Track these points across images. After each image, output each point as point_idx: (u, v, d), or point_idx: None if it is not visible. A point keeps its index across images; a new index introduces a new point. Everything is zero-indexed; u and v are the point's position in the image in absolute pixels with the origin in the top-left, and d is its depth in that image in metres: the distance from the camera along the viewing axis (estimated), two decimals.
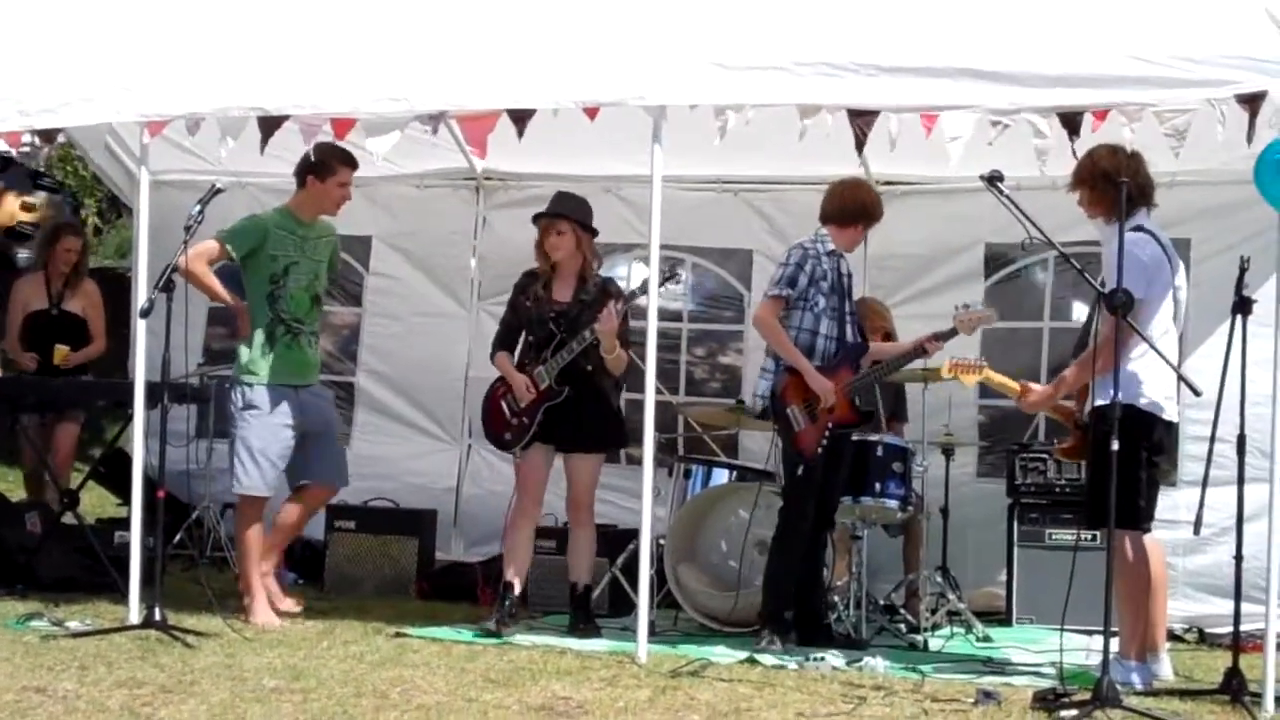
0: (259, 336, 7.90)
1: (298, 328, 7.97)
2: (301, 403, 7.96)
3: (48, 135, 8.17)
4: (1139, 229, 6.69)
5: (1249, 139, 6.50)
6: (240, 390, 7.91)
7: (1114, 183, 6.68)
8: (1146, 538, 6.80)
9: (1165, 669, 6.94)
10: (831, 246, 7.69)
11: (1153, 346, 6.46)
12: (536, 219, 7.95)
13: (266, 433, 7.85)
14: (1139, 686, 6.59)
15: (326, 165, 7.91)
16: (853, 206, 7.72)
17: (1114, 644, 6.22)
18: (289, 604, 8.06)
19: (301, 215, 8.06)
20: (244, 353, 7.94)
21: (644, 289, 7.68)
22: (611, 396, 7.95)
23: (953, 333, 7.65)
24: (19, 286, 10.09)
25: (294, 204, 8.12)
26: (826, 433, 7.55)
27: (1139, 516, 6.64)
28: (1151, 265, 6.65)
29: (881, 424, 8.70)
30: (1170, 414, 6.77)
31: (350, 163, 7.97)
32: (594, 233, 7.97)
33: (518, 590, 7.83)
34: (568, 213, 7.87)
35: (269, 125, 7.50)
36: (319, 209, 8.10)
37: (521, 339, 8.01)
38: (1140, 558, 6.69)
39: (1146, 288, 6.59)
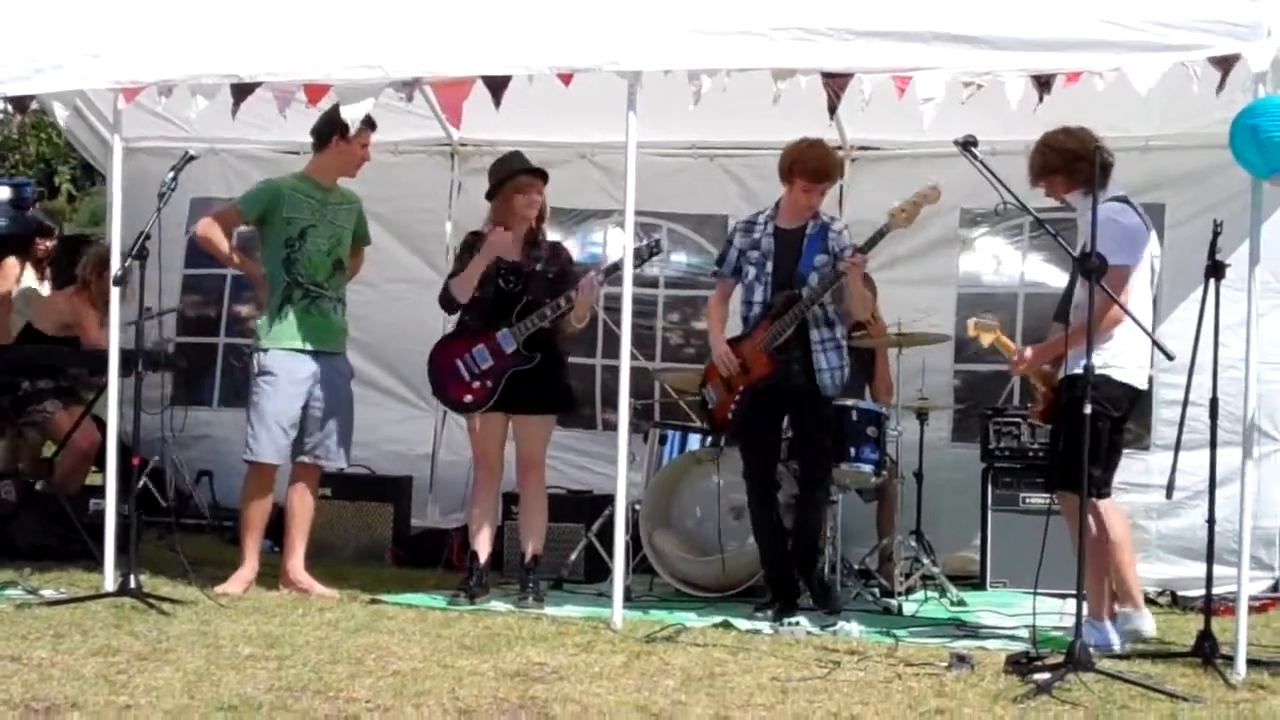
0: (275, 300, 7.87)
1: (316, 291, 7.91)
2: (318, 371, 7.88)
3: (20, 103, 8.12)
4: (1119, 199, 6.74)
5: (1218, 91, 6.53)
6: (256, 356, 7.90)
7: (1067, 157, 6.79)
8: (1108, 500, 6.86)
9: (1148, 624, 6.97)
10: (772, 212, 7.71)
11: (1125, 310, 6.48)
12: (513, 174, 7.86)
13: (280, 399, 7.79)
14: (1116, 646, 6.65)
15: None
16: (783, 164, 7.68)
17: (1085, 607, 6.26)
18: (320, 589, 7.79)
19: (321, 179, 8.02)
20: (261, 318, 7.95)
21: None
22: (565, 359, 7.96)
23: (881, 233, 7.49)
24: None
25: (313, 168, 8.09)
26: (737, 396, 7.61)
27: (1096, 483, 6.66)
28: (1137, 233, 6.71)
29: (864, 392, 8.72)
30: (1140, 381, 6.81)
31: (371, 124, 7.89)
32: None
33: (483, 559, 7.82)
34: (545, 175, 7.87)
35: (241, 92, 7.46)
36: (340, 170, 8.06)
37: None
38: (1099, 523, 6.71)
39: (1131, 253, 6.63)
